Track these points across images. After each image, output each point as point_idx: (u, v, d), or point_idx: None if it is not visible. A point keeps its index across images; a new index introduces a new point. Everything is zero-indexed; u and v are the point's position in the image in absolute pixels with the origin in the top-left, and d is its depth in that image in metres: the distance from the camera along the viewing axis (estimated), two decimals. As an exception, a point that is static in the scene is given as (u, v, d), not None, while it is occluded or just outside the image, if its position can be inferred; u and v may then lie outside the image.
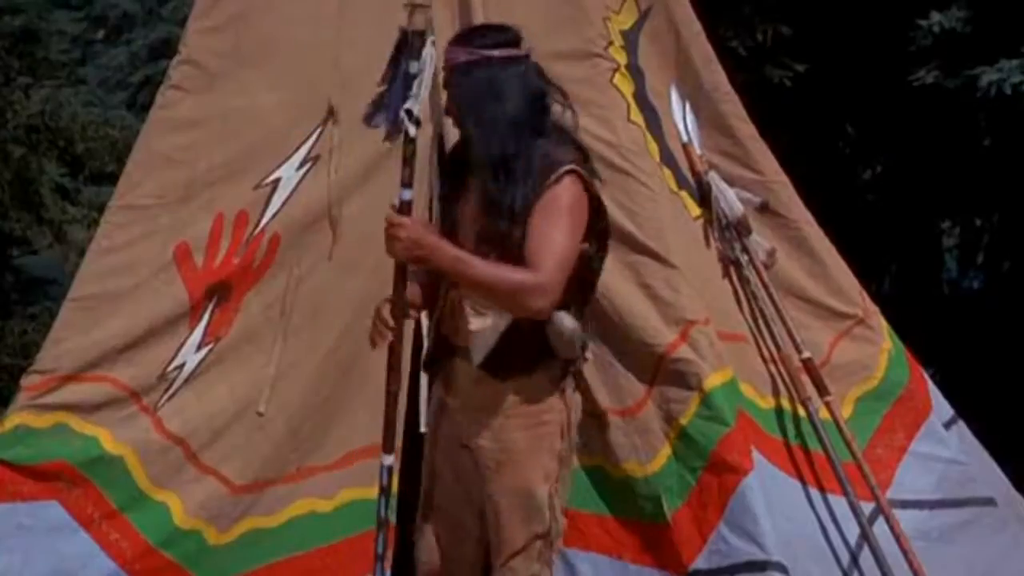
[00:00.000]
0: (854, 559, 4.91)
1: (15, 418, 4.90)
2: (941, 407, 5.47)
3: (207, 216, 5.03)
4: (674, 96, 5.35)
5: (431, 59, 3.89)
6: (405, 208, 3.87)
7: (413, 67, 3.88)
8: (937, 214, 9.58)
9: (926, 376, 5.53)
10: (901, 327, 5.62)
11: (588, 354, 3.93)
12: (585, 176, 3.78)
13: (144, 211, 5.08)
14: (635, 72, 5.24)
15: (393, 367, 4.03)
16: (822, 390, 5.09)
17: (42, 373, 4.94)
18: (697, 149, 5.30)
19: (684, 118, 5.32)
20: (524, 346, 3.78)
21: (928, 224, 9.62)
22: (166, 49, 16.29)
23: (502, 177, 3.73)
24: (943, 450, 5.32)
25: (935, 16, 7.69)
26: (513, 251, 3.71)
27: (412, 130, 3.88)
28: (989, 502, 5.33)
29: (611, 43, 5.16)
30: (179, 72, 5.21)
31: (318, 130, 5.06)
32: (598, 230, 3.85)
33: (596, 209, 3.82)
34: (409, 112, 3.84)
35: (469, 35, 4.03)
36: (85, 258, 5.24)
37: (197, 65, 5.19)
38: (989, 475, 5.51)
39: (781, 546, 4.62)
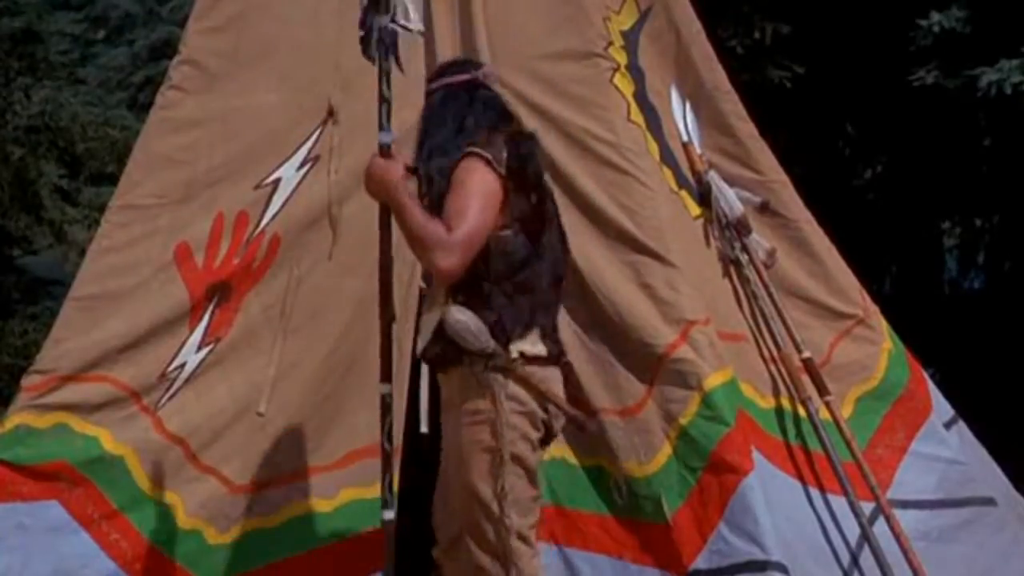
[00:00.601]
0: (854, 559, 4.90)
1: (16, 418, 4.90)
2: (941, 407, 5.47)
3: (207, 216, 5.03)
4: (674, 96, 5.35)
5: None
6: (382, 151, 4.10)
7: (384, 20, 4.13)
8: (937, 214, 9.58)
9: (926, 376, 5.53)
10: (901, 327, 5.62)
11: (515, 351, 4.00)
12: (488, 159, 4.01)
13: (144, 211, 5.08)
14: (635, 72, 5.24)
15: (385, 297, 4.17)
16: (822, 390, 5.08)
17: (42, 373, 4.94)
18: (697, 148, 5.30)
19: (684, 117, 5.32)
20: (445, 340, 4.01)
21: (928, 224, 9.62)
22: (167, 49, 16.28)
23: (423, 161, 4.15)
24: (943, 450, 5.32)
25: (935, 16, 7.69)
26: None
27: (386, 67, 4.14)
28: (989, 502, 5.33)
29: (611, 43, 5.15)
30: (179, 72, 5.21)
31: (318, 130, 5.06)
32: (518, 216, 4.03)
33: (513, 192, 4.03)
34: (381, 41, 4.12)
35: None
36: (86, 258, 5.24)
37: (197, 65, 5.19)
38: (989, 475, 5.50)
39: (781, 546, 4.61)
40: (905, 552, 4.85)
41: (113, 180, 7.37)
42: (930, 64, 7.77)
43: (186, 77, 5.19)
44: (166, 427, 4.89)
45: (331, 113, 5.00)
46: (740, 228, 5.21)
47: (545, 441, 4.12)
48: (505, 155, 4.04)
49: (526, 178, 4.06)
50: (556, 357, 4.11)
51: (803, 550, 4.79)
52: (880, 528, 4.92)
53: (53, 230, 11.47)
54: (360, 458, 4.81)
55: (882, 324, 5.50)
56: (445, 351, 4.02)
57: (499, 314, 3.99)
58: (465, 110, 4.16)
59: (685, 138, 5.32)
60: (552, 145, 4.87)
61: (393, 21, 4.12)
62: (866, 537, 4.88)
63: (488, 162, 4.01)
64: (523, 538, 4.02)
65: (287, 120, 5.08)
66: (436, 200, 4.04)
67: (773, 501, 4.69)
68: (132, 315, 4.98)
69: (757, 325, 5.19)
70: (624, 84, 5.13)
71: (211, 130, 5.12)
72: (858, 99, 8.70)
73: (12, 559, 4.77)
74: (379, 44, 4.14)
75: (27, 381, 4.98)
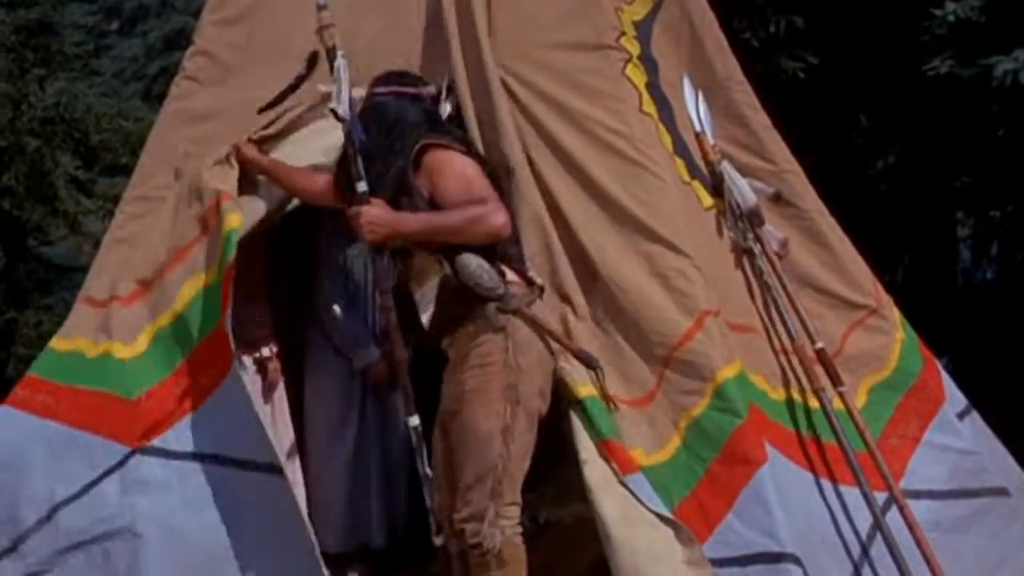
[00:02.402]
0: (865, 550, 4.90)
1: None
2: (954, 397, 5.46)
3: (220, 207, 5.04)
4: (687, 86, 5.35)
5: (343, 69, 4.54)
6: (360, 199, 4.37)
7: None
8: (951, 204, 9.57)
9: (939, 366, 5.53)
10: (914, 317, 5.61)
11: (516, 291, 4.31)
12: (447, 144, 4.39)
13: (159, 202, 5.09)
14: (648, 62, 5.23)
15: (397, 337, 4.42)
16: (835, 380, 5.08)
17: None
18: (710, 139, 5.29)
19: (697, 108, 5.32)
20: (453, 300, 4.26)
21: (942, 214, 9.60)
22: (181, 40, 16.31)
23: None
24: (956, 440, 5.31)
25: (950, 5, 7.67)
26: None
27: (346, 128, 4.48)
28: (1002, 492, 5.32)
29: (623, 34, 5.15)
30: (193, 63, 5.23)
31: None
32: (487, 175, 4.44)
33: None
34: (334, 111, 4.48)
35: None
36: (99, 249, 5.26)
37: (211, 56, 5.21)
38: (1002, 465, 5.50)
39: (795, 538, 4.60)
40: (919, 542, 4.84)
41: (127, 171, 7.39)
42: (944, 54, 7.75)
43: (200, 68, 5.21)
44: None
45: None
46: (753, 218, 5.20)
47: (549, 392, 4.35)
48: (454, 141, 4.44)
49: (478, 156, 4.50)
50: (540, 290, 4.42)
51: (815, 542, 4.79)
52: (892, 519, 4.91)
53: (68, 221, 11.50)
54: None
55: (895, 314, 5.49)
56: (454, 309, 4.26)
57: (497, 262, 4.29)
58: (417, 120, 4.50)
59: (698, 128, 5.31)
60: (564, 136, 4.87)
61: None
62: (879, 527, 4.87)
63: (448, 146, 4.39)
64: (510, 476, 4.19)
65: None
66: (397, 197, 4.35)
67: (785, 493, 4.67)
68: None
69: (770, 316, 5.18)
70: (636, 75, 5.13)
71: (225, 121, 5.13)
72: (872, 89, 8.69)
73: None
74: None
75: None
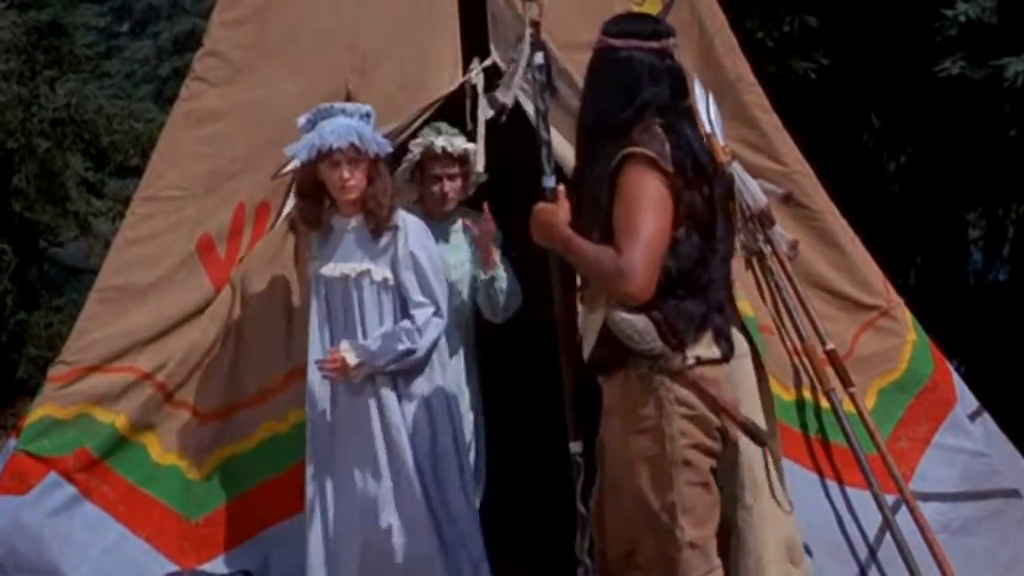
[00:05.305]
0: (872, 552, 4.89)
1: (40, 410, 4.93)
2: (966, 399, 5.45)
3: (230, 207, 5.05)
4: (698, 87, 5.33)
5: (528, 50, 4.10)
6: (547, 195, 3.95)
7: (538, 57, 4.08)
8: (963, 205, 9.53)
9: (951, 368, 5.51)
10: (926, 318, 5.60)
11: (691, 356, 3.74)
12: (653, 158, 3.70)
13: (169, 203, 5.10)
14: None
15: (570, 353, 4.05)
16: (846, 381, 5.07)
17: (68, 364, 4.98)
18: (720, 140, 5.28)
19: (708, 109, 5.30)
20: (608, 342, 3.77)
21: (954, 215, 9.57)
22: (191, 41, 16.33)
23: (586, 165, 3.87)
24: (967, 442, 5.30)
25: (961, 6, 7.64)
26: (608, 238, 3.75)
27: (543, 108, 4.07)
28: (1014, 494, 5.31)
29: (634, 34, 5.13)
30: (203, 64, 5.23)
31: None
32: (688, 213, 3.74)
33: (683, 188, 3.73)
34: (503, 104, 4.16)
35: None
36: (110, 250, 5.27)
37: (221, 57, 5.21)
38: (1014, 467, 5.48)
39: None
40: (929, 544, 4.83)
41: (138, 172, 7.39)
42: (956, 55, 7.71)
43: (210, 69, 5.21)
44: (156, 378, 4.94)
45: (348, 99, 5.01)
46: (763, 220, 5.19)
47: (722, 451, 3.85)
48: (668, 148, 3.73)
49: (695, 170, 3.76)
50: (728, 357, 3.87)
51: (820, 543, 4.78)
52: (902, 520, 4.90)
53: (78, 222, 11.49)
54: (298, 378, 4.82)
55: (906, 315, 5.48)
56: (610, 354, 3.78)
57: (668, 316, 3.72)
58: (642, 83, 3.82)
59: (708, 129, 5.30)
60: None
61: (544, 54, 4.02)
62: (890, 528, 4.87)
63: (653, 162, 3.70)
64: (696, 548, 3.76)
65: (307, 108, 5.08)
66: (595, 206, 3.77)
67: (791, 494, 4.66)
68: (156, 307, 5.00)
69: (780, 317, 5.18)
70: (648, 74, 5.11)
71: (234, 121, 5.13)
72: (883, 90, 8.66)
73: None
74: (536, 83, 4.03)
75: (53, 372, 5.02)
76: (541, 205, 3.88)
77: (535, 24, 4.09)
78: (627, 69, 3.85)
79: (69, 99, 11.47)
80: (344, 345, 4.63)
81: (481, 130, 4.85)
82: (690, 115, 3.94)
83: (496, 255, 5.01)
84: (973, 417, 5.45)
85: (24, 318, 10.98)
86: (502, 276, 5.03)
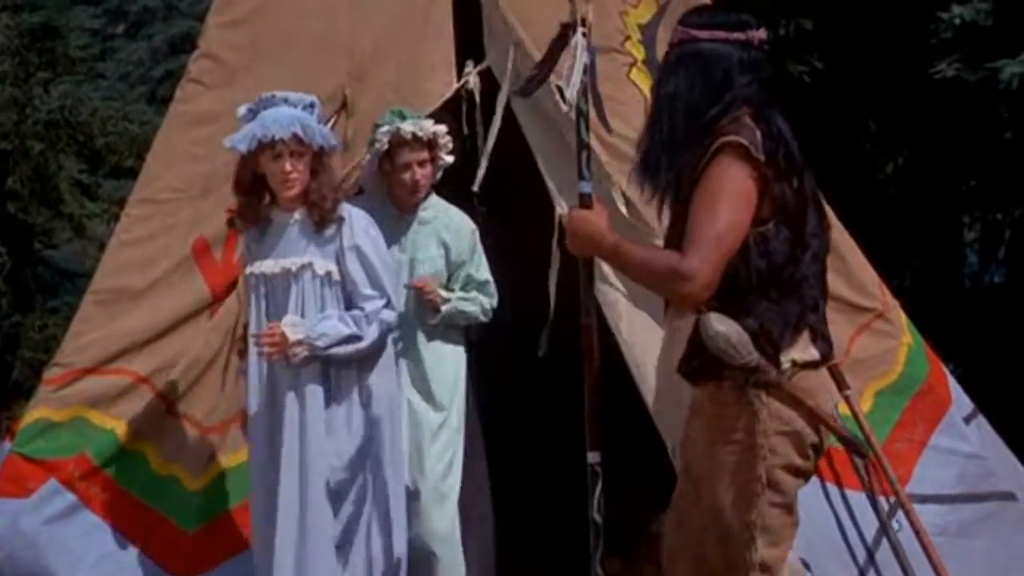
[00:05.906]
0: (871, 555, 4.88)
1: (36, 412, 4.92)
2: (961, 401, 5.45)
3: (225, 209, 5.04)
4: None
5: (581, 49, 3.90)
6: (583, 202, 3.74)
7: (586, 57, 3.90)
8: (958, 208, 9.54)
9: (946, 370, 5.51)
10: (922, 321, 5.59)
11: (786, 360, 3.47)
12: (746, 146, 3.46)
13: (164, 205, 5.10)
14: (653, 66, 5.21)
15: (591, 361, 3.90)
16: (841, 384, 5.06)
17: (63, 366, 4.97)
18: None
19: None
20: (699, 350, 3.48)
21: (949, 218, 9.58)
22: (186, 44, 16.31)
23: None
24: (963, 444, 5.30)
25: (956, 9, 7.65)
26: None
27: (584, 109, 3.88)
28: (1010, 497, 5.31)
29: (628, 37, 5.15)
30: (198, 66, 5.23)
31: (331, 120, 5.05)
32: (779, 206, 3.49)
33: (773, 180, 3.48)
34: (560, 92, 3.86)
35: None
36: (105, 252, 5.26)
37: (216, 59, 5.21)
38: (1010, 470, 5.48)
39: (802, 543, 4.57)
40: (925, 547, 4.83)
41: (133, 174, 7.39)
42: (951, 57, 7.73)
43: (205, 71, 5.20)
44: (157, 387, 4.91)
45: (345, 106, 5.00)
46: (759, 222, 5.17)
47: (813, 469, 3.64)
48: (759, 137, 3.48)
49: (786, 161, 3.50)
50: (828, 357, 3.61)
51: (821, 547, 4.78)
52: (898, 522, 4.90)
53: (73, 224, 11.51)
54: None
55: (901, 318, 5.47)
56: (701, 364, 3.48)
57: (763, 320, 3.45)
58: (732, 77, 3.58)
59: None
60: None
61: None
62: (886, 532, 4.86)
63: (745, 152, 3.44)
64: (767, 570, 3.52)
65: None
66: (680, 191, 3.53)
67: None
68: (152, 309, 5.00)
69: (776, 319, 5.16)
70: (641, 79, 5.12)
71: (230, 124, 5.12)
72: (879, 93, 8.67)
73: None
74: (582, 84, 3.84)
75: (48, 374, 5.01)
76: (579, 212, 3.66)
77: (585, 23, 3.90)
78: (715, 63, 3.60)
79: (63, 101, 11.49)
80: (286, 319, 4.40)
81: (494, 129, 4.79)
82: (780, 106, 3.66)
83: (438, 296, 4.88)
84: (968, 420, 5.44)
85: (19, 320, 11.00)
86: (455, 310, 4.93)
